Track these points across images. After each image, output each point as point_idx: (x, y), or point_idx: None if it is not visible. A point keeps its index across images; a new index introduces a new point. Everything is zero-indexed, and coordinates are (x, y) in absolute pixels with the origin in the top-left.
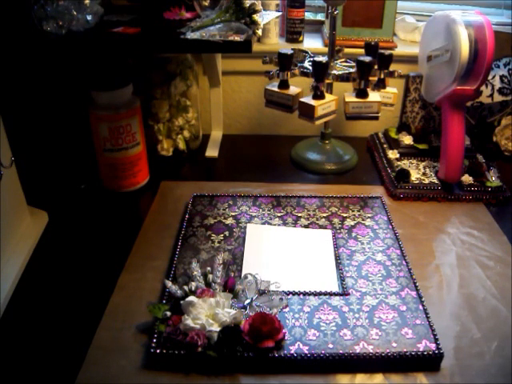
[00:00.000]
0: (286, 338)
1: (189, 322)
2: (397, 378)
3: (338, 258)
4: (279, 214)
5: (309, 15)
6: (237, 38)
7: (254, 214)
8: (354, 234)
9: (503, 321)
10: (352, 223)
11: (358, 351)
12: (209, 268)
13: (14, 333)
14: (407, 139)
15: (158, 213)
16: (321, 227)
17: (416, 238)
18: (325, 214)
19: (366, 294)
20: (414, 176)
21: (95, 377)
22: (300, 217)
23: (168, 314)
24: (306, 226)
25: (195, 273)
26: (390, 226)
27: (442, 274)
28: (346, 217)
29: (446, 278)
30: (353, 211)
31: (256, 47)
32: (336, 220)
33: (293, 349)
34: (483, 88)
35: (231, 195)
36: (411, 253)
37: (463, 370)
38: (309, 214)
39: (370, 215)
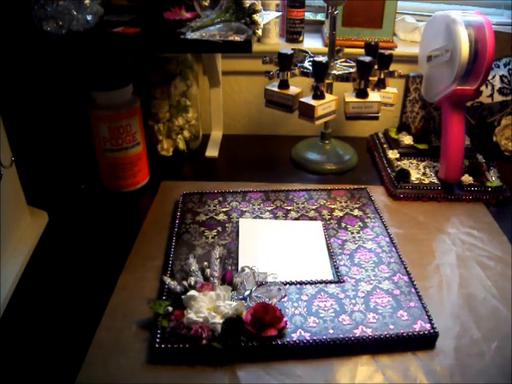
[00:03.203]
0: (287, 326)
1: (192, 315)
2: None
3: (330, 247)
4: (269, 208)
5: (309, 15)
6: (237, 38)
7: (244, 209)
8: (343, 225)
9: (503, 321)
10: (340, 214)
11: (357, 335)
12: (206, 263)
13: (14, 333)
14: (407, 139)
15: (158, 213)
16: (311, 219)
17: (416, 238)
18: (313, 207)
19: (361, 281)
20: (414, 176)
21: (95, 377)
22: (290, 210)
23: (170, 309)
24: (297, 219)
25: (193, 268)
26: (378, 216)
27: (441, 274)
28: (334, 208)
29: (446, 278)
30: (340, 202)
31: (256, 47)
32: (325, 212)
33: (295, 336)
34: (483, 88)
35: (220, 192)
36: (411, 253)
37: (463, 369)
38: (298, 207)
39: (357, 206)
